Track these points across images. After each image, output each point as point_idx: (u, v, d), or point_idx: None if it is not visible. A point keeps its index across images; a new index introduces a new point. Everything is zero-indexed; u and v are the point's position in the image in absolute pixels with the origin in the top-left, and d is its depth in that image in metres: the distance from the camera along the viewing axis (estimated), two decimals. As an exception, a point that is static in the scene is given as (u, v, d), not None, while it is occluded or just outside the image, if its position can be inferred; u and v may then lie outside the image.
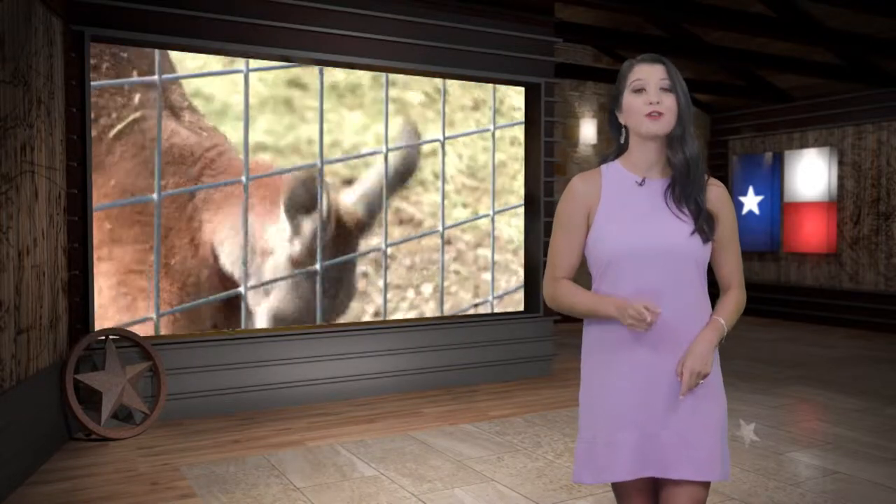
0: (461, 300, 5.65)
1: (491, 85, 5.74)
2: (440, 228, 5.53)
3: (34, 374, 3.67)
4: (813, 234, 9.06)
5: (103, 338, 4.34)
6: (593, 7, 6.02)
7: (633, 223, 1.75)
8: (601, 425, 1.78)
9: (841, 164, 8.85)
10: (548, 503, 3.26)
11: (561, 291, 1.83)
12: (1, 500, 3.18)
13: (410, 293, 5.42)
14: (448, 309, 5.58)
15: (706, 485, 1.76)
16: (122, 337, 4.40)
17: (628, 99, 1.76)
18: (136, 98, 4.50)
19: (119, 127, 4.45)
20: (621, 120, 1.81)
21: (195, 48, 4.63)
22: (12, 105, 3.37)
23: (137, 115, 4.50)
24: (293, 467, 3.72)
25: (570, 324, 6.94)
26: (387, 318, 5.35)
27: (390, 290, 5.35)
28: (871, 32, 7.01)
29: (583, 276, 1.80)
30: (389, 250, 5.31)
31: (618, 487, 1.85)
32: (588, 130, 9.17)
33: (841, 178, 8.86)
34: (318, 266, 5.04)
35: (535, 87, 5.86)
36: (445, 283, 5.58)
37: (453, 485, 3.48)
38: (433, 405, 4.99)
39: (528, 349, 5.86)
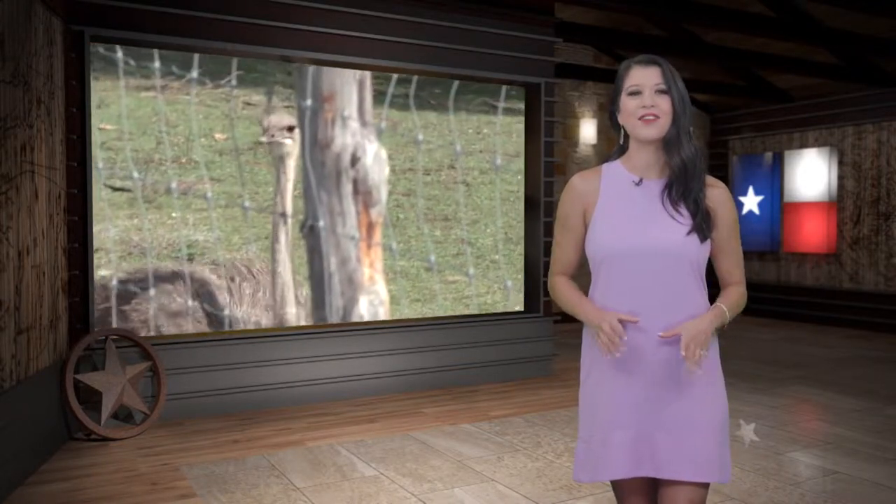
0: None
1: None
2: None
3: (34, 374, 3.67)
4: (813, 234, 9.05)
5: (103, 338, 4.34)
6: (593, 7, 6.02)
7: (627, 223, 1.77)
8: (598, 425, 1.80)
9: (841, 164, 8.85)
10: (548, 503, 3.26)
11: (556, 287, 1.90)
12: (1, 500, 3.18)
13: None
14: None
15: (704, 486, 1.76)
16: (122, 337, 4.40)
17: (625, 101, 1.78)
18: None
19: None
20: (620, 121, 1.83)
21: (195, 48, 4.64)
22: (12, 105, 3.37)
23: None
24: (293, 467, 3.72)
25: (570, 324, 6.93)
26: (386, 319, 5.35)
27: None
28: (871, 32, 7.01)
29: (584, 275, 1.81)
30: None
31: (617, 487, 1.86)
32: (588, 130, 9.17)
33: (841, 178, 8.85)
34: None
35: (535, 87, 5.86)
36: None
37: (453, 485, 3.48)
38: (433, 405, 4.98)
39: (528, 349, 5.86)
